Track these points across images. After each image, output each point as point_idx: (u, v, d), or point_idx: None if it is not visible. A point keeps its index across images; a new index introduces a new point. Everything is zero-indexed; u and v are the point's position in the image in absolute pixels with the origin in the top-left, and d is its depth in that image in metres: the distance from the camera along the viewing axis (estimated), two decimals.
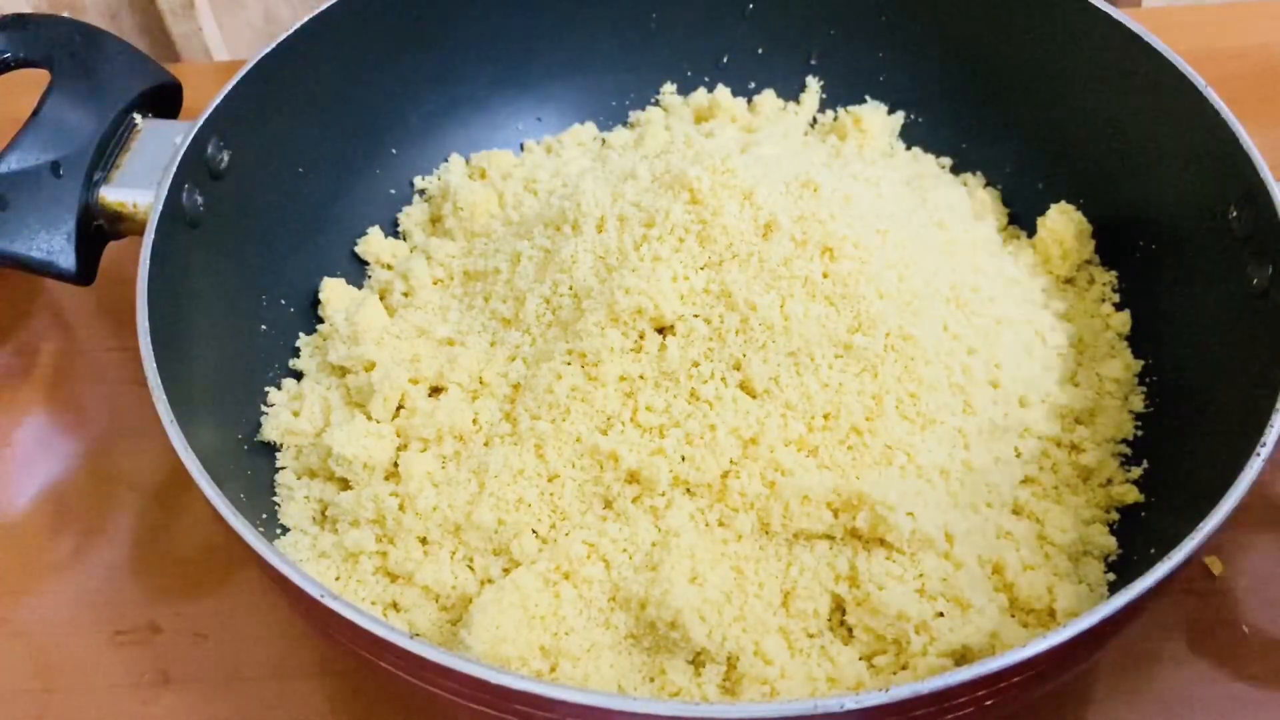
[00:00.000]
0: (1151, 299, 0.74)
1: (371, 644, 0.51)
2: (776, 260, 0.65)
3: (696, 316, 0.65)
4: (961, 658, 0.59)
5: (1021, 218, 0.82)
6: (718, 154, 0.69)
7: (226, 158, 0.72)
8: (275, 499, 0.68)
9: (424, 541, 0.64)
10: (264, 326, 0.75)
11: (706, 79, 0.89)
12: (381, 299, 0.77)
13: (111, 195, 0.71)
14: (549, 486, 0.64)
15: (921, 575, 0.60)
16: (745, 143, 0.82)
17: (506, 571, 0.63)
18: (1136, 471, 0.68)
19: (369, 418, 0.68)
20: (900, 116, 0.87)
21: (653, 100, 0.90)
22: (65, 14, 0.80)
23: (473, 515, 0.63)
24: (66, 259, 0.70)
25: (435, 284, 0.77)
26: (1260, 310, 0.63)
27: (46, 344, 0.84)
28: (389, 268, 0.81)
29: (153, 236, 0.65)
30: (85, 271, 0.71)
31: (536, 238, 0.72)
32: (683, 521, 0.62)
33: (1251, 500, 0.53)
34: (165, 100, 0.76)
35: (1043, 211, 0.78)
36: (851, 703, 0.47)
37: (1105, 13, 0.74)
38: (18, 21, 0.75)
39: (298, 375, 0.75)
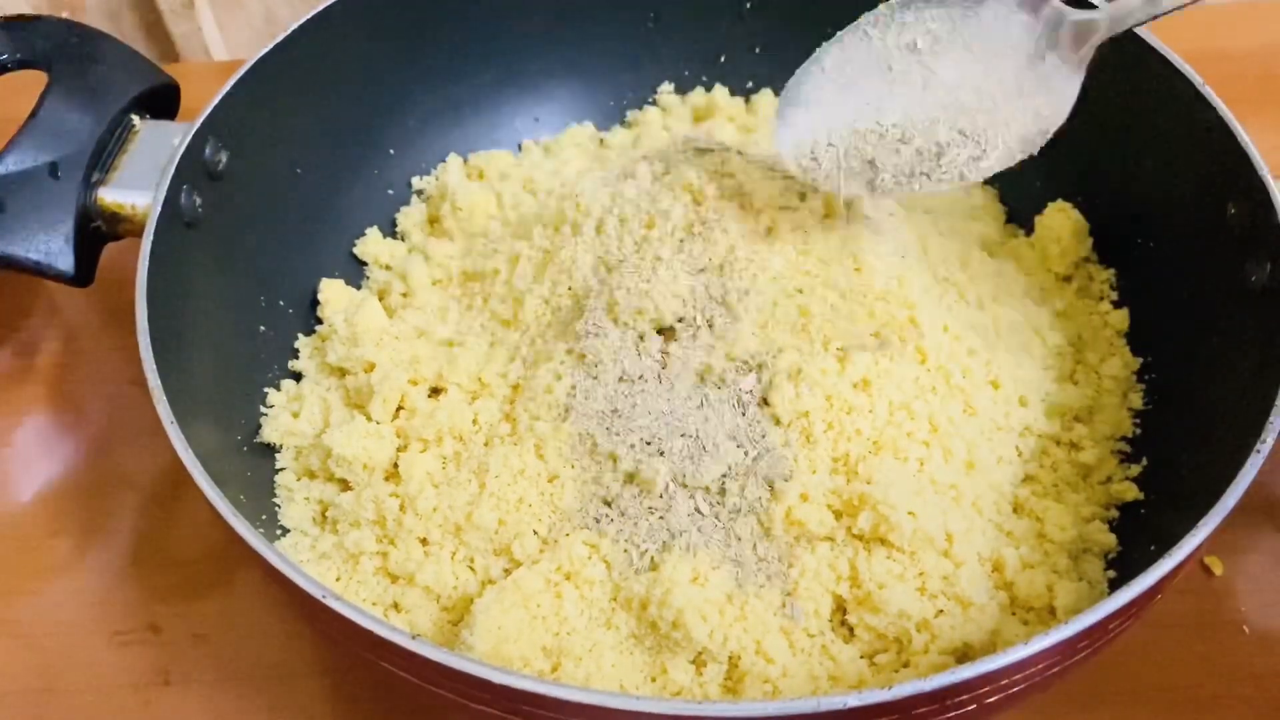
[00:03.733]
0: (1150, 297, 0.74)
1: (373, 645, 0.51)
2: (777, 264, 0.66)
3: (696, 319, 0.65)
4: (963, 655, 0.59)
5: (1019, 216, 0.82)
6: (719, 155, 0.69)
7: (225, 158, 0.72)
8: (275, 500, 0.68)
9: (425, 542, 0.64)
10: (263, 327, 0.75)
11: (704, 78, 0.89)
12: (380, 300, 0.77)
13: (109, 196, 0.71)
14: (549, 487, 0.64)
15: (922, 574, 0.60)
16: (743, 143, 0.82)
17: (507, 572, 0.63)
18: (1136, 469, 0.68)
19: (369, 419, 0.68)
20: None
21: (650, 100, 0.90)
22: (65, 14, 0.80)
23: (473, 516, 0.63)
24: (64, 260, 0.70)
25: (434, 284, 0.77)
26: (1258, 308, 0.63)
27: (46, 344, 0.84)
28: (387, 268, 0.81)
29: (151, 238, 0.65)
30: (83, 273, 0.71)
31: (535, 238, 0.72)
32: (683, 522, 0.62)
33: (1251, 500, 0.53)
34: (163, 101, 0.76)
35: (1041, 210, 0.78)
36: (854, 700, 0.47)
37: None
38: (15, 23, 0.75)
39: (297, 376, 0.75)
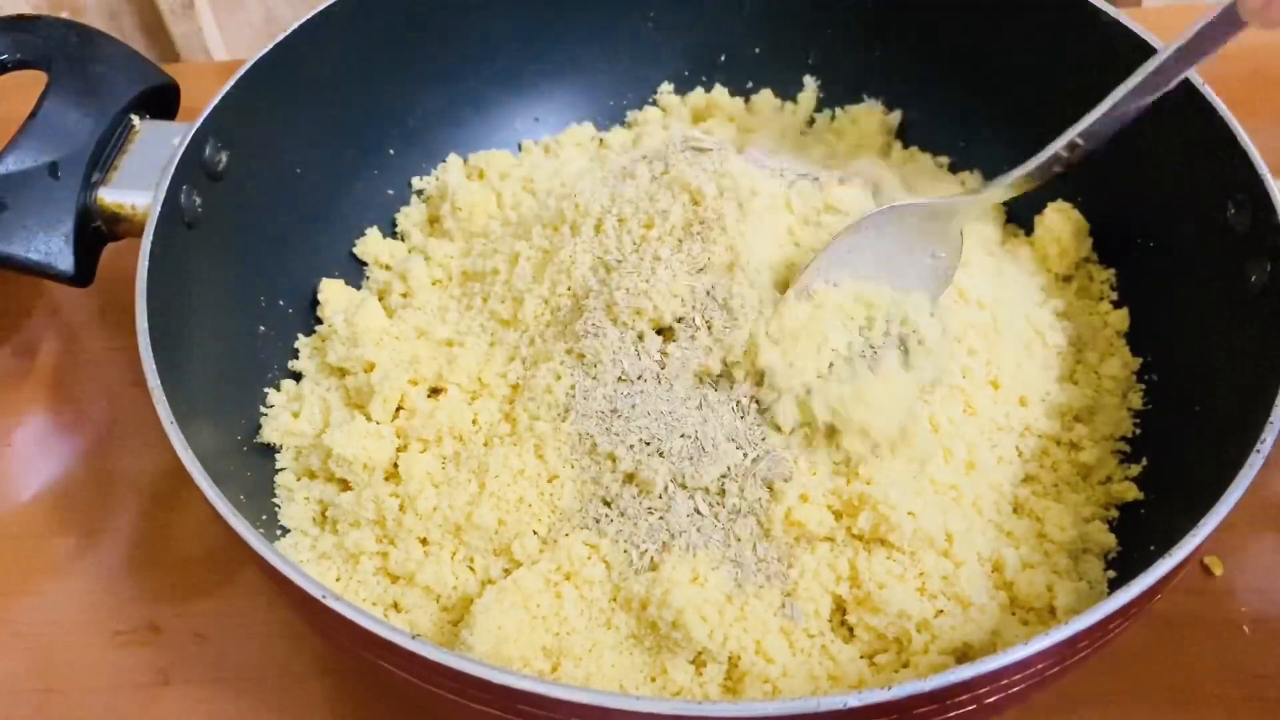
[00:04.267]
0: (1150, 297, 0.74)
1: (373, 645, 0.51)
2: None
3: (695, 320, 0.65)
4: (963, 655, 0.59)
5: (1019, 216, 0.82)
6: (719, 155, 0.69)
7: (225, 158, 0.72)
8: (275, 500, 0.68)
9: (424, 542, 0.64)
10: (263, 327, 0.75)
11: (704, 79, 0.89)
12: (380, 300, 0.77)
13: (109, 197, 0.71)
14: (549, 487, 0.64)
15: (922, 574, 0.61)
16: (742, 142, 0.82)
17: (507, 572, 0.63)
18: (1136, 469, 0.68)
19: (369, 419, 0.68)
20: (897, 115, 0.87)
21: (650, 100, 0.90)
22: (65, 14, 0.80)
23: (473, 516, 0.63)
24: (64, 260, 0.70)
25: (434, 284, 0.77)
26: (1258, 308, 0.63)
27: (46, 344, 0.84)
28: (387, 268, 0.81)
29: (151, 238, 0.65)
30: (83, 273, 0.71)
31: (535, 238, 0.72)
32: (683, 523, 0.62)
33: (1251, 500, 0.53)
34: (163, 101, 0.76)
35: (1041, 210, 0.78)
36: (854, 700, 0.47)
37: (1105, 12, 0.74)
38: (15, 23, 0.75)
39: (297, 376, 0.75)
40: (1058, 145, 0.64)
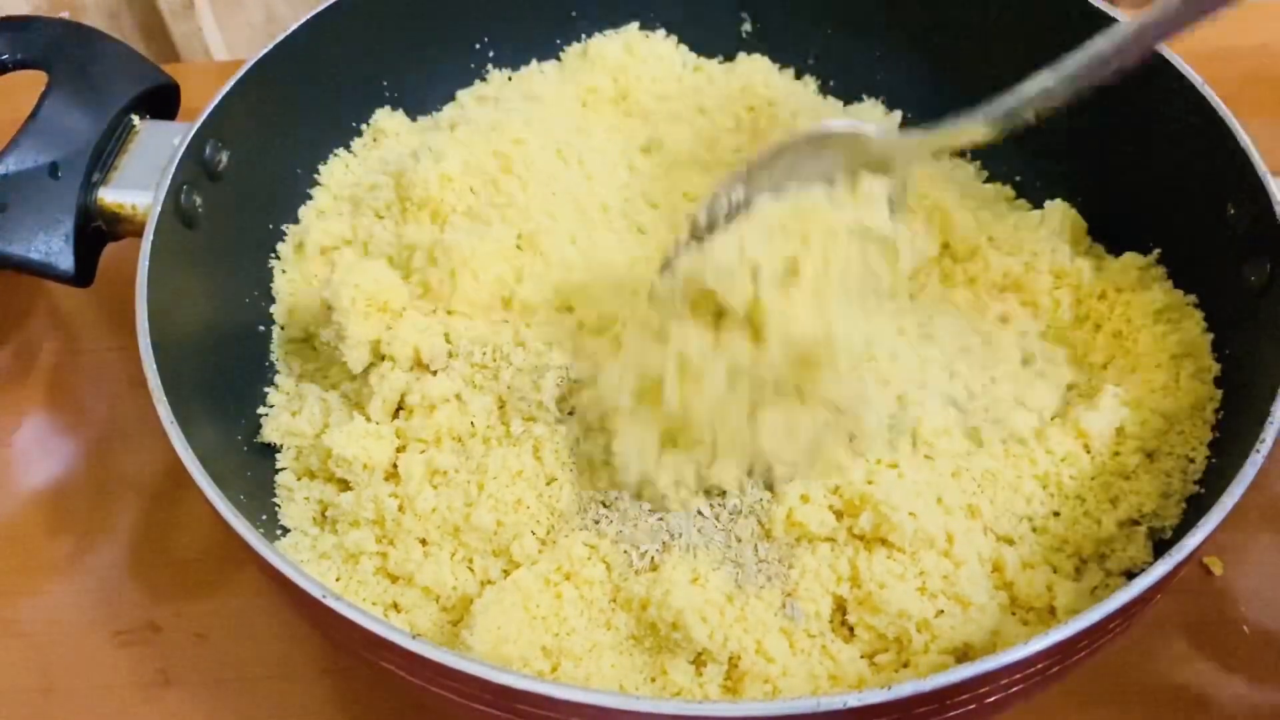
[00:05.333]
0: None
1: (373, 644, 0.51)
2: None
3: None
4: (963, 655, 0.59)
5: None
6: None
7: (225, 158, 0.72)
8: (275, 500, 0.68)
9: (424, 542, 0.64)
10: (262, 327, 0.75)
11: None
12: None
13: (110, 197, 0.71)
14: (547, 489, 0.64)
15: (922, 574, 0.60)
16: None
17: (506, 573, 0.62)
18: None
19: (368, 419, 0.68)
20: (897, 115, 0.86)
21: None
22: (65, 14, 0.80)
23: (471, 517, 0.63)
24: (65, 260, 0.70)
25: None
26: (1257, 308, 0.63)
27: (46, 344, 0.84)
28: None
29: (151, 238, 0.65)
30: (83, 273, 0.71)
31: None
32: (683, 523, 0.62)
33: (1251, 500, 0.53)
34: (163, 101, 0.76)
35: (1040, 210, 0.78)
36: (854, 700, 0.47)
37: (1105, 12, 0.74)
38: (15, 23, 0.75)
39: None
40: (1012, 100, 0.61)
